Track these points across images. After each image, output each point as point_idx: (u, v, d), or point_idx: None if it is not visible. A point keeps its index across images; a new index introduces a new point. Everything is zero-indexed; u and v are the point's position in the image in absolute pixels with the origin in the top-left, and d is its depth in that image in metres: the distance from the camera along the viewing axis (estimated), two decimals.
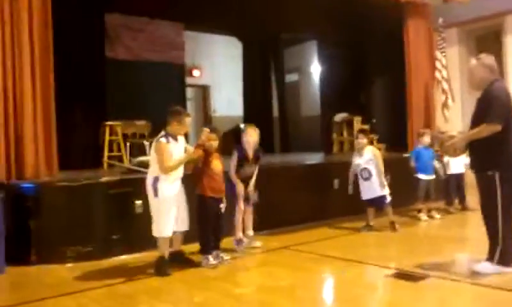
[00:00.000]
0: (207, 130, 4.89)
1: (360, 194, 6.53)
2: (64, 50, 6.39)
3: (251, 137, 5.60)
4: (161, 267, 4.65)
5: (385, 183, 6.43)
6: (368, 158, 6.47)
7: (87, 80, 8.13)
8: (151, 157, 4.80)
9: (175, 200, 4.72)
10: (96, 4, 8.44)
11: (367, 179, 6.43)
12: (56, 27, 5.88)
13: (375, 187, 6.42)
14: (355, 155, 6.67)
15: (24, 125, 5.48)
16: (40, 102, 5.65)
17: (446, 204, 7.78)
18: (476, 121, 4.19)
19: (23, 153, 5.48)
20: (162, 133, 4.74)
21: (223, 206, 5.01)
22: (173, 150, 4.69)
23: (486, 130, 4.02)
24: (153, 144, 4.77)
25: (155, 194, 4.63)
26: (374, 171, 6.40)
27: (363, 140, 6.58)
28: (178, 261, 4.88)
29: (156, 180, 4.64)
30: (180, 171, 4.78)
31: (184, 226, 4.86)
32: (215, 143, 4.97)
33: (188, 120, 4.89)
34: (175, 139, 4.76)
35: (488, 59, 4.28)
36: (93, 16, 8.49)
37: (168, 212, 4.65)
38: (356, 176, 6.58)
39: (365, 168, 6.44)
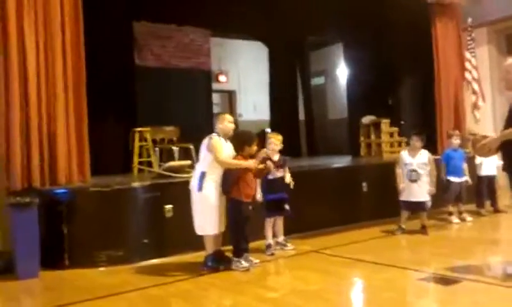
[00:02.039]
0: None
1: (397, 194, 6.45)
2: (94, 58, 6.52)
3: (274, 145, 5.65)
4: (212, 262, 4.83)
5: (433, 190, 6.32)
6: (422, 161, 6.35)
7: (117, 87, 8.28)
8: (200, 154, 4.97)
9: (219, 198, 4.82)
10: (125, 12, 8.59)
11: (414, 181, 6.31)
12: (87, 36, 6.01)
13: (421, 191, 6.31)
14: (406, 153, 6.53)
15: (57, 132, 5.62)
16: (72, 109, 5.79)
17: (477, 207, 7.64)
18: (510, 121, 4.10)
19: (56, 159, 5.61)
20: (214, 133, 4.96)
21: (251, 208, 5.06)
22: (225, 148, 4.90)
23: None
24: (205, 141, 4.93)
25: (200, 188, 4.77)
26: (423, 176, 6.29)
27: (418, 142, 6.45)
28: (220, 260, 4.94)
29: (203, 175, 4.80)
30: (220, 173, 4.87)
31: (223, 226, 4.93)
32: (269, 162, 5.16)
33: (229, 117, 5.04)
34: (224, 139, 4.97)
35: None
36: (121, 24, 8.64)
37: (212, 209, 4.77)
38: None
39: (415, 170, 6.31)
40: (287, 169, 5.72)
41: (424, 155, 6.39)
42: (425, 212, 6.40)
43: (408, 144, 6.93)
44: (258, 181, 5.40)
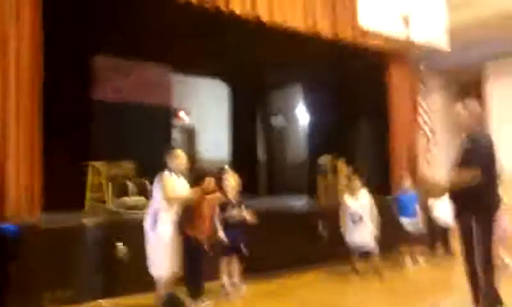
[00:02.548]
0: (212, 179, 4.95)
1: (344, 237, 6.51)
2: (51, 89, 6.38)
3: (229, 182, 5.65)
4: (165, 304, 4.69)
5: (376, 230, 6.41)
6: (363, 202, 6.43)
7: (73, 120, 8.12)
8: (153, 191, 4.89)
9: (174, 237, 4.72)
10: (86, 45, 8.52)
11: (356, 223, 6.38)
12: (45, 66, 5.89)
13: (366, 232, 6.38)
14: (347, 196, 6.61)
15: (6, 164, 5.41)
16: (24, 141, 5.59)
17: (430, 248, 7.78)
18: (460, 164, 4.23)
19: (5, 193, 5.39)
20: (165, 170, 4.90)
21: (206, 248, 4.99)
22: (176, 185, 4.80)
23: (468, 175, 4.05)
24: (156, 178, 4.85)
25: (154, 227, 4.63)
26: (367, 216, 6.37)
27: (357, 183, 6.56)
28: (173, 303, 4.79)
29: (156, 213, 4.66)
30: (175, 211, 4.79)
31: (177, 266, 4.81)
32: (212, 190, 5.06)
33: (178, 152, 4.97)
34: (177, 175, 4.86)
35: (474, 105, 4.38)
36: (81, 57, 8.55)
37: (166, 248, 4.65)
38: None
39: (357, 211, 6.39)
40: (243, 208, 5.70)
41: (365, 196, 6.51)
42: (373, 254, 6.45)
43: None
44: (217, 219, 5.37)
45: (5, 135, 5.44)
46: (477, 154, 4.08)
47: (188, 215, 4.87)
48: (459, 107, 4.44)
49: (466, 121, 4.33)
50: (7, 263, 4.98)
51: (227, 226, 5.52)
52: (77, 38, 8.00)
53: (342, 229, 6.46)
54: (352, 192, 6.54)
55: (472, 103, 4.39)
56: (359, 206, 6.41)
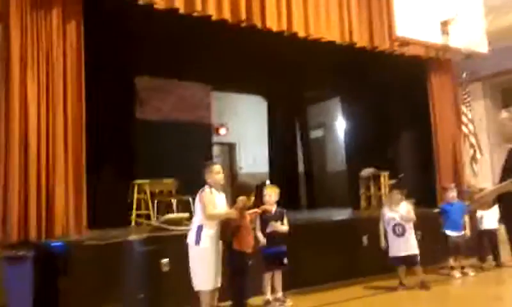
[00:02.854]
0: (243, 199, 4.95)
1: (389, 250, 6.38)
2: (95, 110, 6.61)
3: (269, 196, 5.66)
4: None
5: (416, 240, 6.29)
6: (404, 213, 6.32)
7: (117, 140, 8.36)
8: (195, 207, 4.94)
9: (216, 252, 4.76)
10: (127, 68, 8.78)
11: (400, 235, 6.27)
12: (88, 89, 6.10)
13: (410, 244, 6.26)
14: (387, 208, 6.52)
15: (55, 184, 5.61)
16: (71, 161, 5.79)
17: (479, 261, 7.53)
18: (507, 172, 4.10)
19: (54, 212, 5.58)
20: (206, 185, 4.91)
21: (251, 262, 4.99)
22: (216, 201, 4.84)
23: None
24: (198, 194, 4.89)
25: (197, 242, 4.70)
26: (409, 228, 6.26)
27: (398, 195, 6.46)
28: None
29: (200, 228, 4.75)
30: (217, 226, 4.84)
31: (219, 281, 4.84)
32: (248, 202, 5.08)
33: (216, 167, 4.98)
34: (217, 191, 4.91)
35: None
36: (123, 79, 8.81)
37: (210, 263, 4.69)
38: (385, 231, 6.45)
39: (400, 224, 6.28)
40: (285, 222, 5.70)
41: (404, 207, 6.38)
42: (418, 265, 6.30)
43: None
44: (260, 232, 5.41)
45: (53, 157, 5.65)
46: None
47: (232, 230, 4.89)
48: (504, 115, 4.31)
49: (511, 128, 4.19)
50: (56, 279, 5.14)
51: (269, 240, 5.52)
52: (118, 58, 8.26)
53: (382, 245, 6.35)
54: (394, 204, 6.42)
55: None
56: (400, 217, 6.29)
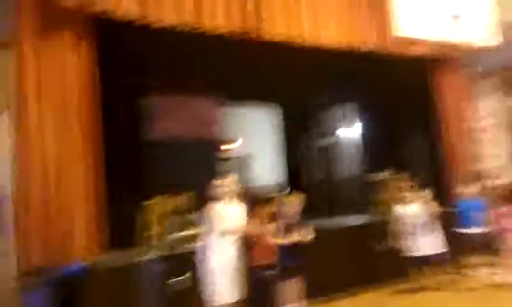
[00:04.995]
0: (257, 213, 4.92)
1: (411, 250, 6.25)
2: (108, 132, 6.65)
3: (287, 206, 5.61)
4: None
5: (442, 239, 6.17)
6: (420, 211, 6.22)
7: (128, 161, 8.39)
8: (206, 223, 4.90)
9: (231, 266, 4.71)
10: (134, 88, 8.84)
11: (418, 234, 6.16)
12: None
13: (436, 241, 6.14)
14: (401, 208, 6.41)
15: (73, 211, 5.62)
16: (89, 186, 5.82)
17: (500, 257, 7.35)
18: None
19: (73, 236, 5.59)
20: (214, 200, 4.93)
21: (272, 273, 4.94)
22: (228, 213, 4.79)
23: None
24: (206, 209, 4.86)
25: (209, 257, 4.69)
26: (426, 226, 6.15)
27: (415, 194, 6.36)
28: None
29: (210, 244, 4.68)
30: (234, 237, 4.80)
31: (238, 294, 4.79)
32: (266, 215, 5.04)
33: (224, 181, 4.95)
34: (230, 203, 4.84)
35: None
36: (132, 99, 8.87)
37: (225, 277, 4.65)
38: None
39: (418, 223, 6.17)
40: (304, 229, 5.63)
41: (424, 207, 6.25)
42: (440, 264, 6.17)
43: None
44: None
45: (72, 181, 5.67)
46: None
47: (250, 244, 4.86)
48: (510, 103, 4.21)
49: None
50: (76, 300, 5.14)
51: (289, 249, 5.46)
52: (128, 79, 8.32)
53: (400, 244, 6.22)
54: (411, 205, 6.33)
55: None
56: (418, 217, 6.19)
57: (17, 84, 5.51)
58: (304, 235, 5.58)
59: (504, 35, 8.32)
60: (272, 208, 5.12)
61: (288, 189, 11.55)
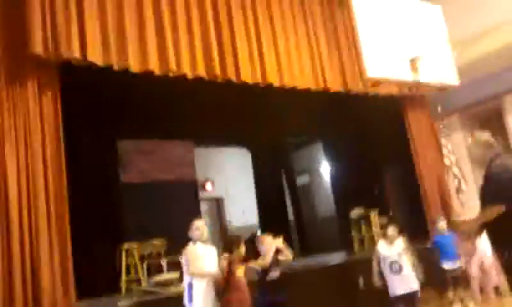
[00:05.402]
0: (225, 256, 4.90)
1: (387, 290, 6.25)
2: (77, 176, 6.55)
3: (264, 245, 5.60)
4: None
5: (421, 276, 6.15)
6: (400, 250, 6.19)
7: (102, 205, 8.27)
8: (183, 265, 4.88)
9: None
10: (107, 131, 8.81)
11: (397, 273, 6.11)
12: (69, 156, 6.04)
13: (409, 281, 6.11)
14: (382, 245, 6.38)
15: (40, 256, 5.45)
16: (55, 234, 5.63)
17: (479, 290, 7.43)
18: (484, 200, 4.07)
19: (40, 283, 5.41)
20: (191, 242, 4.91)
21: None
22: (203, 255, 4.83)
23: (492, 211, 3.87)
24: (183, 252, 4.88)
25: (190, 300, 4.67)
26: (406, 264, 6.12)
27: (394, 231, 6.32)
28: None
29: (190, 286, 4.69)
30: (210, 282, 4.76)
31: None
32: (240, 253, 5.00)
33: (195, 224, 4.95)
34: (205, 246, 4.91)
35: (482, 135, 4.25)
36: (105, 143, 8.82)
37: None
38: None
39: (396, 261, 6.13)
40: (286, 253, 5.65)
41: (400, 243, 6.23)
42: (418, 302, 6.16)
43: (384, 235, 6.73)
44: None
45: (37, 230, 5.49)
46: (492, 186, 3.93)
47: (219, 291, 4.82)
48: (469, 141, 4.33)
49: (477, 154, 4.21)
50: None
51: (269, 288, 5.40)
52: (99, 124, 8.30)
53: (376, 283, 6.21)
54: (388, 242, 6.32)
55: (481, 134, 4.26)
56: (396, 255, 6.18)
57: None
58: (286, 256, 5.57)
59: (466, 75, 8.67)
60: (244, 249, 5.06)
61: (260, 230, 11.58)
